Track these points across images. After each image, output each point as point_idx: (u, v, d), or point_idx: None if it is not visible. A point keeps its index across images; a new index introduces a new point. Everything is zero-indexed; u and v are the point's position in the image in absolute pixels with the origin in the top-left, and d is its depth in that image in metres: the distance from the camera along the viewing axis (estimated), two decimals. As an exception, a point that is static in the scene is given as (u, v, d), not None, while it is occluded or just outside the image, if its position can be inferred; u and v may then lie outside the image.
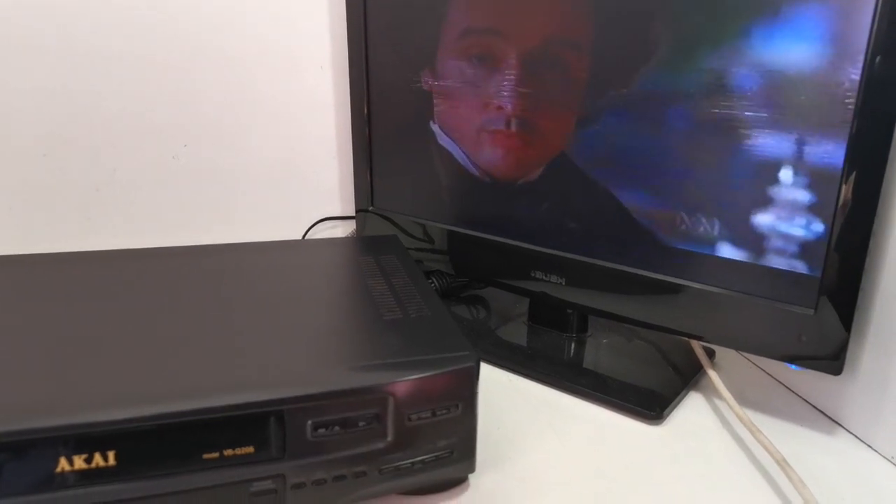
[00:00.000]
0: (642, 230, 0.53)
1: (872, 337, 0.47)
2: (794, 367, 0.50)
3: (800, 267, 0.46)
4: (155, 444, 0.33)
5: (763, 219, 0.47)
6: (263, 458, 0.35)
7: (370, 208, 0.73)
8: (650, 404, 0.52)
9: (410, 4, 0.63)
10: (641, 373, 0.57)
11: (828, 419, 0.52)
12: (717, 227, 0.49)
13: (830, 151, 0.43)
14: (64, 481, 0.32)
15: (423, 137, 0.65)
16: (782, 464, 0.44)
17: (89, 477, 0.32)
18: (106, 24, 0.69)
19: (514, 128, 0.58)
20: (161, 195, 0.76)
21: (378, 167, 0.71)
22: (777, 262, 0.47)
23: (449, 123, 0.63)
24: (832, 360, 0.46)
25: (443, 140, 0.64)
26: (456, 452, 0.40)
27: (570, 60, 0.53)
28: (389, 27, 0.65)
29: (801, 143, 0.44)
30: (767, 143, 0.45)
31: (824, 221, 0.44)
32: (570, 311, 0.62)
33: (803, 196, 0.45)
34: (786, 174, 0.45)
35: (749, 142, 0.46)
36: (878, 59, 0.40)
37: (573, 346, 0.62)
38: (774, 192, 0.46)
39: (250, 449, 0.35)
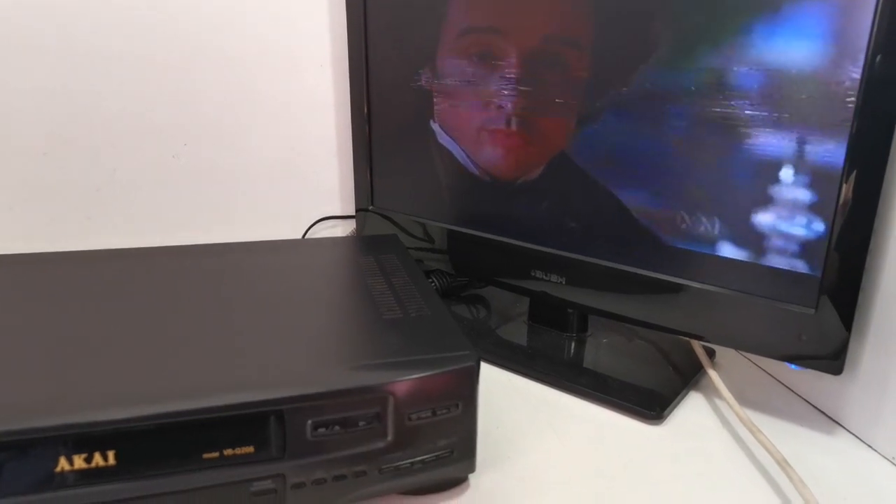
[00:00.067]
0: (642, 229, 0.53)
1: (873, 336, 0.47)
2: (794, 366, 0.50)
3: (800, 266, 0.46)
4: (155, 444, 0.33)
5: (763, 218, 0.47)
6: (263, 457, 0.35)
7: (370, 208, 0.73)
8: (650, 404, 0.52)
9: (410, 3, 0.63)
10: (641, 372, 0.57)
11: (828, 419, 0.52)
12: (717, 227, 0.49)
13: (831, 150, 0.43)
14: (64, 481, 0.32)
15: (424, 136, 0.65)
16: (782, 464, 0.44)
17: (89, 476, 0.32)
18: (106, 24, 0.69)
19: (514, 127, 0.58)
20: (161, 195, 0.76)
21: (378, 166, 0.71)
22: (777, 261, 0.47)
23: (449, 122, 0.63)
24: (832, 359, 0.46)
25: (443, 139, 0.64)
26: (456, 452, 0.40)
27: (571, 59, 0.53)
28: (389, 26, 0.65)
29: (801, 142, 0.44)
30: (768, 142, 0.45)
31: (825, 221, 0.44)
32: (570, 310, 0.62)
33: (804, 195, 0.45)
34: (786, 173, 0.45)
35: (749, 141, 0.46)
36: (878, 57, 0.40)
37: (573, 345, 0.62)
38: (775, 191, 0.46)
39: (250, 449, 0.35)
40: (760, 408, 0.54)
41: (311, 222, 0.84)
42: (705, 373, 0.57)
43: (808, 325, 0.46)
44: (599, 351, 0.61)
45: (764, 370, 0.60)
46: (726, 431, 0.50)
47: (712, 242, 0.50)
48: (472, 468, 0.42)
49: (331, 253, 0.56)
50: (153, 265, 0.52)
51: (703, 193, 0.49)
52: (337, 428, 0.36)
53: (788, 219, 0.46)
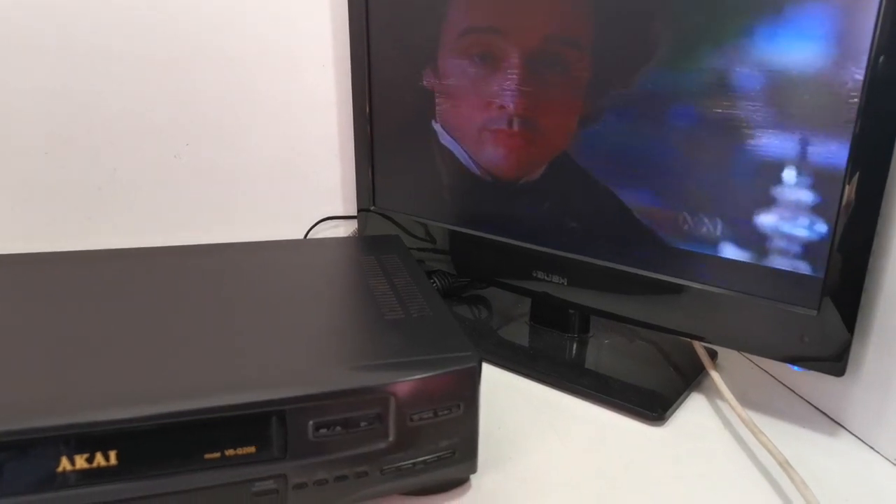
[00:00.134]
0: (644, 230, 0.53)
1: (875, 338, 0.47)
2: (796, 368, 0.50)
3: (802, 267, 0.46)
4: (156, 444, 0.33)
5: (766, 219, 0.47)
6: (265, 457, 0.35)
7: (372, 208, 0.73)
8: (652, 405, 0.52)
9: (412, 3, 0.63)
10: (643, 373, 0.57)
11: (830, 420, 0.52)
12: (719, 228, 0.49)
13: (834, 151, 0.43)
14: (65, 481, 0.32)
15: (425, 137, 0.65)
16: (784, 465, 0.44)
17: (91, 476, 0.32)
18: (106, 24, 0.69)
19: (515, 127, 0.58)
20: (162, 195, 0.76)
21: (380, 166, 0.71)
22: (780, 262, 0.47)
23: (451, 122, 0.63)
24: (835, 361, 0.46)
25: (444, 139, 0.64)
26: (458, 453, 0.40)
27: (572, 59, 0.53)
28: (391, 26, 0.65)
29: (804, 143, 0.44)
30: (770, 142, 0.45)
31: (827, 222, 0.44)
32: (571, 311, 0.62)
33: (806, 196, 0.45)
34: (789, 174, 0.45)
35: (752, 141, 0.46)
36: (881, 58, 0.40)
37: (575, 346, 0.62)
38: (777, 192, 0.46)
39: (252, 449, 0.35)
40: (762, 409, 0.53)
41: (313, 222, 0.84)
42: (707, 374, 0.57)
43: (811, 327, 0.46)
44: (601, 352, 0.61)
45: (766, 371, 0.60)
46: (728, 433, 0.50)
47: (714, 243, 0.49)
48: (473, 469, 0.42)
49: (332, 253, 0.56)
50: (153, 265, 0.51)
51: (706, 194, 0.49)
52: (338, 428, 0.36)
53: (791, 220, 0.46)
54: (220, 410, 0.34)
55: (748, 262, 0.48)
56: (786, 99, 0.44)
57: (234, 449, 0.34)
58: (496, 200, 0.61)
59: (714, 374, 0.54)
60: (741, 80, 0.46)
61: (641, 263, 0.54)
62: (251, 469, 0.35)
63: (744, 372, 0.60)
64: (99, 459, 0.32)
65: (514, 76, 0.57)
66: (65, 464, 0.32)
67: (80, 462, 0.32)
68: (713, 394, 0.56)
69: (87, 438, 0.32)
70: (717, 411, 0.53)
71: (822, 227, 0.45)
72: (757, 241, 0.48)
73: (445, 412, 0.39)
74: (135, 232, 0.76)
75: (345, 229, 0.86)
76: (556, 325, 0.64)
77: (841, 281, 0.44)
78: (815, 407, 0.54)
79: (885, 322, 0.46)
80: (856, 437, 0.50)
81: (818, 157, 0.44)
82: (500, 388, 0.56)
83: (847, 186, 0.43)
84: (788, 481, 0.44)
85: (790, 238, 0.46)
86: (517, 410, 0.52)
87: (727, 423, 0.51)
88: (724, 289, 0.50)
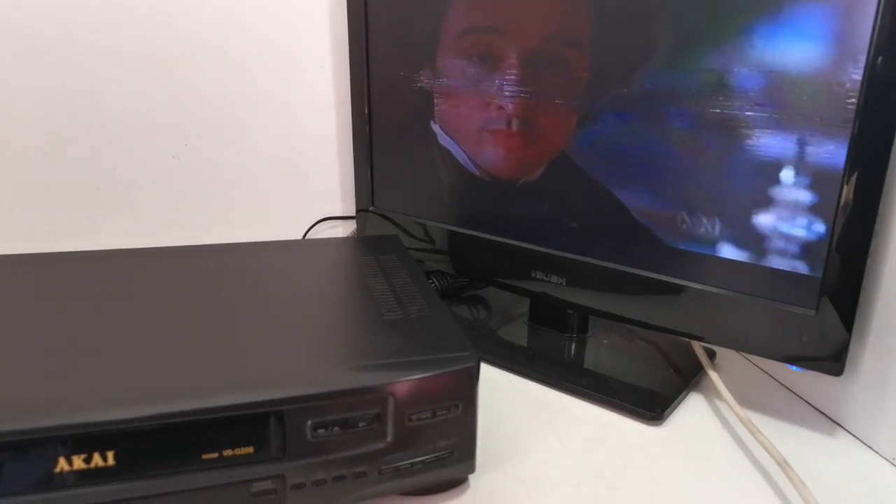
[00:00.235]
0: (643, 230, 0.53)
1: (874, 337, 0.47)
2: (794, 367, 0.50)
3: (801, 267, 0.46)
4: (154, 445, 0.33)
5: (764, 219, 0.47)
6: (263, 458, 0.35)
7: (371, 208, 0.73)
8: (651, 405, 0.52)
9: (411, 3, 0.63)
10: (642, 373, 0.57)
11: (828, 420, 0.52)
12: (717, 228, 0.49)
13: (832, 151, 0.43)
14: (63, 481, 0.32)
15: (424, 137, 0.65)
16: (783, 465, 0.44)
17: (88, 477, 0.32)
18: (106, 24, 0.69)
19: (514, 127, 0.58)
20: (161, 195, 0.76)
21: (379, 167, 0.71)
22: (778, 262, 0.47)
23: (450, 123, 0.63)
24: (833, 360, 0.46)
25: (443, 140, 0.64)
26: (456, 453, 0.40)
27: (571, 59, 0.53)
28: (390, 26, 0.65)
29: (802, 144, 0.44)
30: (769, 143, 0.45)
31: (825, 222, 0.44)
32: (570, 311, 0.62)
33: (804, 196, 0.45)
34: (787, 174, 0.45)
35: (750, 142, 0.46)
36: (879, 59, 0.40)
37: (574, 346, 0.62)
38: (775, 192, 0.46)
39: (250, 449, 0.35)
40: (761, 409, 0.54)
41: (312, 223, 0.84)
42: (706, 374, 0.57)
43: (809, 327, 0.46)
44: (600, 352, 0.61)
45: (764, 371, 0.60)
46: (726, 432, 0.50)
47: (713, 243, 0.49)
48: (472, 469, 0.42)
49: (331, 253, 0.56)
50: (153, 265, 0.51)
51: (704, 194, 0.49)
52: (337, 428, 0.36)
53: (789, 220, 0.46)
54: (218, 411, 0.34)
55: (746, 262, 0.48)
56: (784, 99, 0.44)
57: (233, 449, 0.34)
58: (495, 201, 0.61)
59: (712, 374, 0.54)
60: (740, 80, 0.46)
61: (640, 263, 0.54)
62: (249, 469, 0.35)
63: (742, 372, 0.60)
64: (97, 460, 0.32)
65: (514, 76, 0.57)
66: (62, 464, 0.32)
67: (78, 462, 0.32)
68: (712, 393, 0.56)
69: (84, 439, 0.32)
70: (716, 411, 0.53)
71: (820, 227, 0.45)
72: (755, 241, 0.48)
73: (444, 412, 0.39)
74: (134, 232, 0.76)
75: (344, 229, 0.86)
76: (555, 325, 0.64)
77: (839, 281, 0.44)
78: (813, 406, 0.54)
79: (884, 321, 0.46)
80: (854, 436, 0.50)
81: (816, 157, 0.44)
82: (498, 388, 0.56)
83: (845, 186, 0.43)
84: (787, 481, 0.44)
85: (788, 238, 0.46)
86: (516, 410, 0.52)
87: (726, 423, 0.51)
88: (722, 289, 0.50)
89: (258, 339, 0.40)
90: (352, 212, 0.85)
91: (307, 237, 0.83)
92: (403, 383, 0.37)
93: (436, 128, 0.64)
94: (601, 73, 0.52)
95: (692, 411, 0.53)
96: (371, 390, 0.36)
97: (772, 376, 0.59)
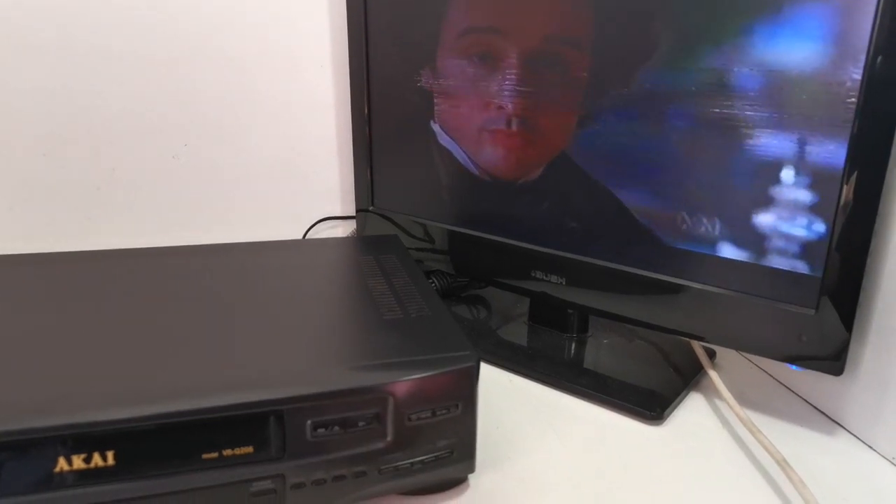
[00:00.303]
0: (643, 230, 0.53)
1: (874, 337, 0.47)
2: (794, 367, 0.50)
3: (801, 267, 0.46)
4: (154, 444, 0.33)
5: (764, 219, 0.47)
6: (263, 458, 0.35)
7: (370, 208, 0.73)
8: (650, 405, 0.52)
9: (411, 3, 0.63)
10: (642, 373, 0.57)
11: (828, 420, 0.52)
12: (717, 227, 0.49)
13: (832, 151, 0.43)
14: (63, 481, 0.32)
15: (424, 137, 0.65)
16: (783, 464, 0.44)
17: (88, 477, 0.32)
18: (106, 24, 0.69)
19: (514, 127, 0.58)
20: (161, 195, 0.76)
21: (378, 167, 0.71)
22: (778, 262, 0.47)
23: (449, 123, 0.63)
24: (833, 360, 0.46)
25: (443, 139, 0.64)
26: (456, 452, 0.40)
27: (571, 59, 0.53)
28: (390, 25, 0.65)
29: (802, 143, 0.44)
30: (768, 142, 0.45)
31: (825, 221, 0.44)
32: (570, 311, 0.62)
33: (804, 196, 0.45)
34: (787, 174, 0.45)
35: (750, 141, 0.46)
36: (879, 58, 0.40)
37: (573, 346, 0.62)
38: (775, 191, 0.46)
39: (250, 449, 0.35)
40: (761, 408, 0.54)
41: (312, 222, 0.84)
42: (705, 373, 0.57)
43: (809, 326, 0.46)
44: (600, 351, 0.61)
45: (764, 371, 0.60)
46: (726, 432, 0.50)
47: (713, 243, 0.49)
48: (471, 469, 0.42)
49: (331, 253, 0.56)
50: (153, 265, 0.51)
51: (704, 194, 0.49)
52: (336, 428, 0.36)
53: (789, 219, 0.46)
54: (217, 410, 0.34)
55: (746, 262, 0.48)
56: (784, 99, 0.44)
57: (232, 449, 0.34)
58: (495, 200, 0.61)
59: (712, 374, 0.54)
60: (740, 79, 0.46)
61: (640, 263, 0.54)
62: (249, 469, 0.35)
63: (742, 371, 0.60)
64: (96, 460, 0.32)
65: (514, 76, 0.57)
66: (62, 464, 0.32)
67: (78, 462, 0.32)
68: (712, 393, 0.56)
69: (84, 438, 0.32)
70: (716, 411, 0.53)
71: (820, 227, 0.45)
72: (755, 240, 0.48)
73: (444, 412, 0.39)
74: (134, 232, 0.76)
75: (343, 229, 0.86)
76: (555, 324, 0.64)
77: (839, 280, 0.44)
78: (813, 406, 0.54)
79: (884, 321, 0.46)
80: (854, 436, 0.50)
81: (816, 157, 0.44)
82: (498, 387, 0.56)
83: (845, 186, 0.43)
84: (787, 480, 0.44)
85: (788, 237, 0.46)
86: (515, 410, 0.52)
87: (725, 423, 0.51)
88: (722, 288, 0.50)
89: (258, 338, 0.40)
90: (352, 212, 0.85)
91: (307, 237, 0.83)
92: (403, 383, 0.37)
93: (436, 127, 0.64)
94: (601, 72, 0.52)
95: (692, 411, 0.53)
96: (371, 390, 0.36)
97: (772, 376, 0.59)
